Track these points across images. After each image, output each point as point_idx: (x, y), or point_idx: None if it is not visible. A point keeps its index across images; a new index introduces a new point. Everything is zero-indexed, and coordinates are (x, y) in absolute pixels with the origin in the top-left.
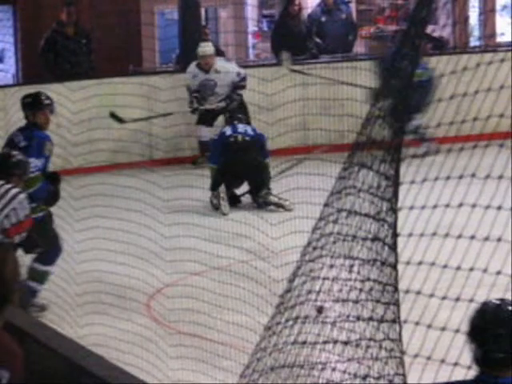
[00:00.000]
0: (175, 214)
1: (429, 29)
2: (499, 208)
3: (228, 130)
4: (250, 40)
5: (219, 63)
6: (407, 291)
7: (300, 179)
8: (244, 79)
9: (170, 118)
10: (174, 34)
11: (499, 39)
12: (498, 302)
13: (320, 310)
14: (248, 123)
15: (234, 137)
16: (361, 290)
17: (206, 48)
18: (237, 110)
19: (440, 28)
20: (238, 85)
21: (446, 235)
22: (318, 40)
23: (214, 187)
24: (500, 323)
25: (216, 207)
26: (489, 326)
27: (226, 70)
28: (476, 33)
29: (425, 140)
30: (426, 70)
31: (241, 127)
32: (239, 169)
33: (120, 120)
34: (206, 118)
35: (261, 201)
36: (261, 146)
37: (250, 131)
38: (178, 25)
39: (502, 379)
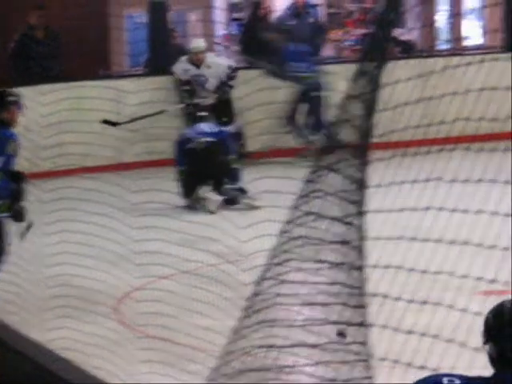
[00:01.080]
0: (144, 217)
1: (396, 32)
2: (465, 211)
3: (189, 132)
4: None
5: (210, 59)
6: (374, 294)
7: (268, 182)
8: (235, 70)
9: (140, 122)
10: (143, 38)
11: (465, 42)
12: None
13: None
14: (231, 120)
15: (196, 140)
16: (328, 294)
17: (198, 43)
18: (222, 105)
19: (408, 31)
20: (230, 75)
21: (413, 238)
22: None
23: (187, 193)
24: None
25: (200, 209)
26: (505, 325)
27: (217, 64)
28: (444, 36)
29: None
30: (314, 73)
31: (201, 127)
32: (203, 172)
33: (113, 124)
34: (194, 114)
35: (227, 193)
36: (224, 142)
37: (211, 129)
38: (147, 28)
39: None
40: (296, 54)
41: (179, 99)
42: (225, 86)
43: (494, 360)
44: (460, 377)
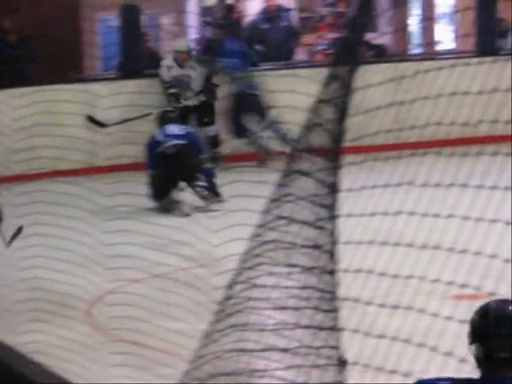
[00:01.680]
0: (116, 220)
1: (369, 36)
2: (436, 215)
3: (158, 135)
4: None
5: (194, 59)
6: (345, 298)
7: (240, 186)
8: (220, 68)
9: (112, 125)
10: (115, 41)
11: (438, 47)
12: (499, 302)
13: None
14: (212, 121)
15: (165, 144)
16: (300, 298)
17: (182, 43)
18: (205, 106)
19: (380, 35)
20: (215, 72)
21: (384, 242)
22: (259, 47)
23: (158, 196)
24: (503, 323)
25: (174, 212)
26: (492, 325)
27: (202, 65)
28: (416, 40)
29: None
30: (248, 73)
31: (170, 129)
32: (175, 176)
33: (100, 124)
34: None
35: (198, 192)
36: (194, 143)
37: (180, 131)
38: (119, 32)
39: (508, 379)
40: (231, 52)
41: (165, 103)
42: (211, 85)
43: (481, 361)
44: (448, 379)
